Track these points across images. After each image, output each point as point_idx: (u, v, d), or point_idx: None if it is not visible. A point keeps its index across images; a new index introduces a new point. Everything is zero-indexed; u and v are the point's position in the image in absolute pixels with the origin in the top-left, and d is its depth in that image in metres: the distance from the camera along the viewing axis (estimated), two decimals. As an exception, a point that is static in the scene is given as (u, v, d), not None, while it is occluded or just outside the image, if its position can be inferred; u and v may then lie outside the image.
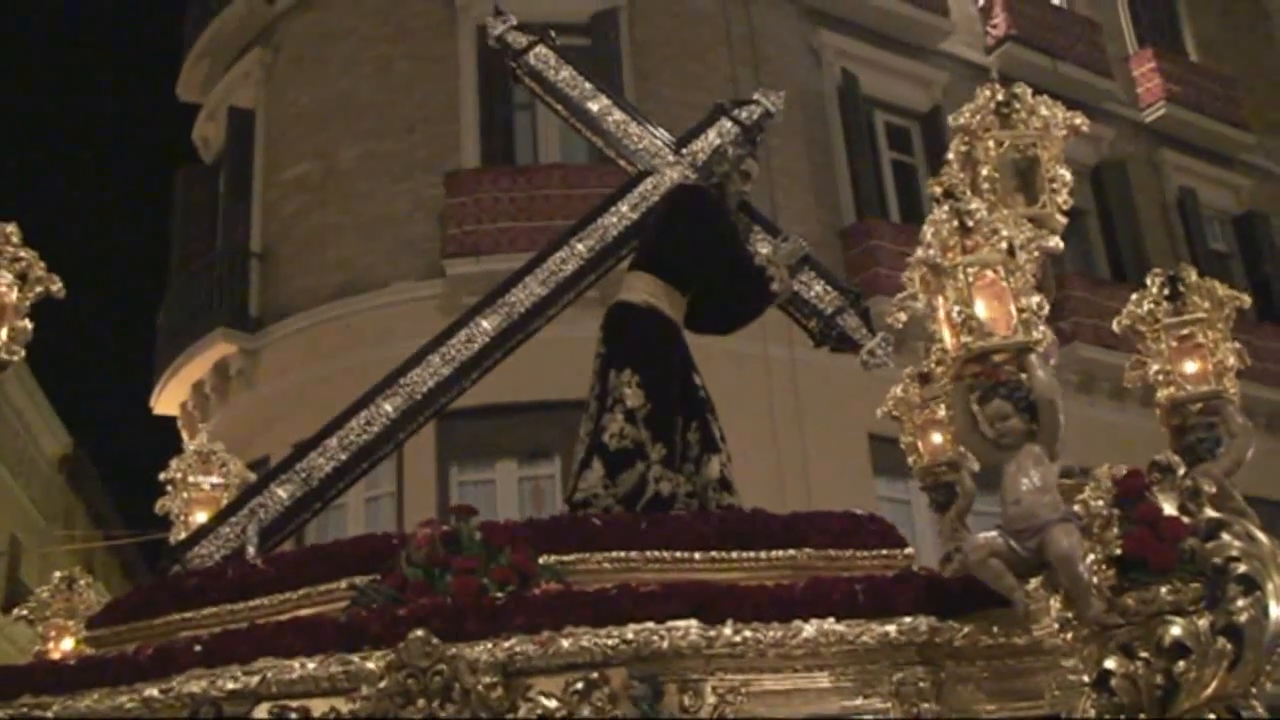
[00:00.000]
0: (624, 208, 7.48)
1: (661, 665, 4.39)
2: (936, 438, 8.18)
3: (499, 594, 4.74)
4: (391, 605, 4.77)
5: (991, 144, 5.37)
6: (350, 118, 17.61)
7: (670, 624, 4.45)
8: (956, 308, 4.60)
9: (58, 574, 8.48)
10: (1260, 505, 5.32)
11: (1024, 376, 4.66)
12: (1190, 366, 5.68)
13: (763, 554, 5.52)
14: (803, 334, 7.34)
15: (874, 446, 16.15)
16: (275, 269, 17.21)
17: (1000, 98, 5.56)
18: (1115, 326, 5.74)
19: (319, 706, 4.50)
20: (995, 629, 4.68)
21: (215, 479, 8.46)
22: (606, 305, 7.02)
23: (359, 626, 4.60)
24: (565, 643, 4.40)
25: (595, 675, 4.33)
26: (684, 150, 7.62)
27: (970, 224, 4.70)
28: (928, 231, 4.74)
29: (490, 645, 4.41)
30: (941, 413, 8.23)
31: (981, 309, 4.63)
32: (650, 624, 4.45)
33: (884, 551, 5.70)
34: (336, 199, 17.26)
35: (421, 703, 4.32)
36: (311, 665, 4.51)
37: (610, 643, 4.37)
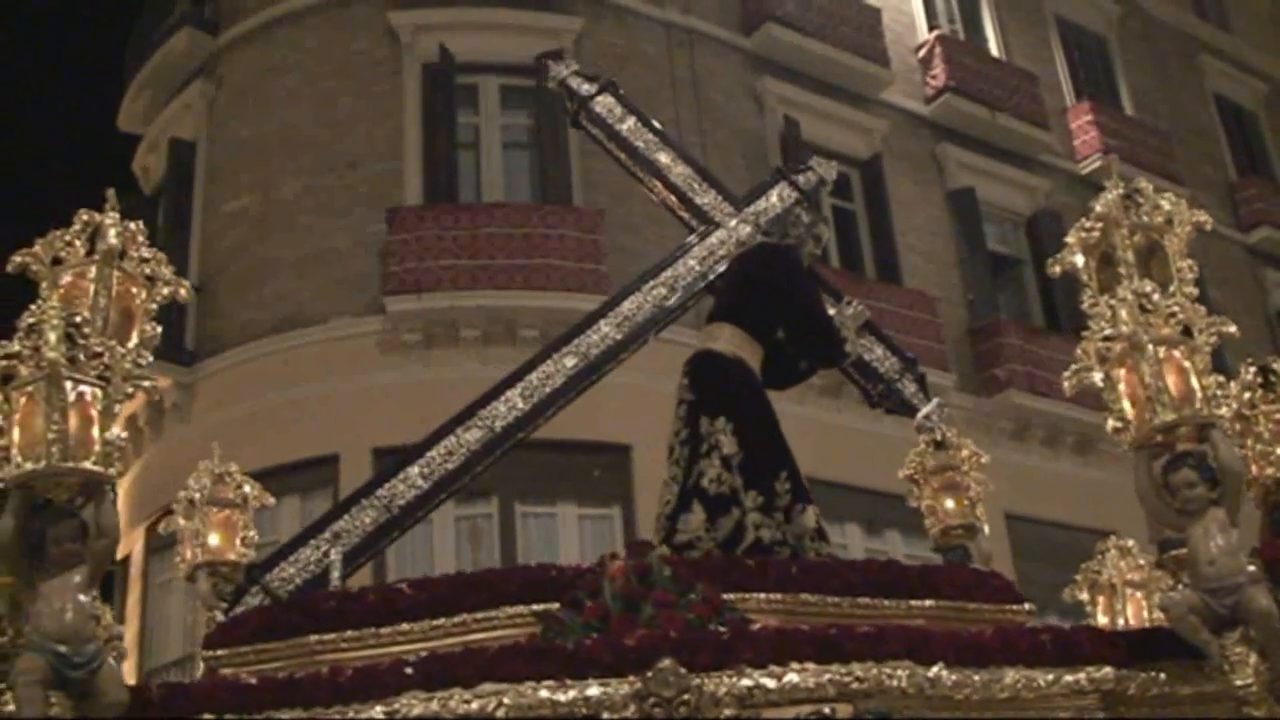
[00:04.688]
0: (692, 260, 7.79)
1: (885, 703, 4.66)
2: (950, 503, 8.54)
3: (722, 628, 4.97)
4: (605, 636, 4.95)
5: (1125, 232, 5.76)
6: (292, 152, 17.56)
7: (893, 663, 4.73)
8: (1150, 381, 5.02)
9: None
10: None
11: (1206, 448, 5.10)
12: (1287, 449, 6.15)
13: (902, 603, 5.82)
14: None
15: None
16: (213, 302, 16.99)
17: (1123, 190, 5.98)
18: (1224, 411, 6.13)
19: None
20: (1162, 678, 5.05)
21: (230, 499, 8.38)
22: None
23: (588, 654, 4.76)
24: (796, 677, 4.65)
25: (826, 710, 4.60)
26: (746, 209, 7.94)
27: (1149, 306, 5.14)
28: (1120, 311, 5.16)
29: (729, 677, 4.63)
30: (957, 477, 8.65)
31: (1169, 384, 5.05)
32: (872, 662, 4.73)
33: (1007, 606, 6.05)
34: (277, 233, 17.17)
35: (663, 732, 4.45)
36: (544, 691, 4.65)
37: (846, 679, 4.64)
